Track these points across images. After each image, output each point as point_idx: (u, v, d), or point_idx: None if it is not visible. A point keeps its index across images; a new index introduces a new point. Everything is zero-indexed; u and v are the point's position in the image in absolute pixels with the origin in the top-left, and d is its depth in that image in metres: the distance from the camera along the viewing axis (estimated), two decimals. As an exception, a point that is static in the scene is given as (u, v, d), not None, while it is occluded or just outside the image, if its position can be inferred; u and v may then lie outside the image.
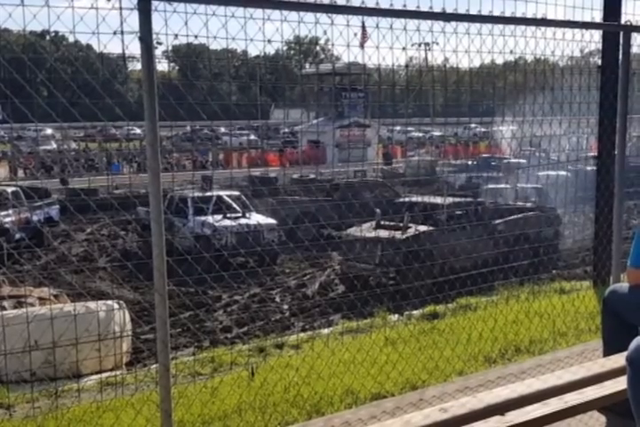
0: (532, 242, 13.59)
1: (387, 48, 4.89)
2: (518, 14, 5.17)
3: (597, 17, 6.80)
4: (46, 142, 40.57)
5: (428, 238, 13.40)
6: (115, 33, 3.72)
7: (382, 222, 14.63)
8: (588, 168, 13.84)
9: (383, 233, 13.96)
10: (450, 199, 15.74)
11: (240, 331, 11.04)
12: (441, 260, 11.14)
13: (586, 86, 6.86)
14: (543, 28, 5.59)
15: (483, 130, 36.24)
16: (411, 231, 14.18)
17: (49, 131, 42.02)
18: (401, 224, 14.46)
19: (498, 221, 15.25)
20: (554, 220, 15.47)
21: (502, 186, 20.16)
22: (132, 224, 19.70)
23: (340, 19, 4.50)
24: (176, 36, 4.04)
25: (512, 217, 15.53)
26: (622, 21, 6.20)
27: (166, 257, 3.81)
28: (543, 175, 20.50)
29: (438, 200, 15.62)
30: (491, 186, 20.55)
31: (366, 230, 14.56)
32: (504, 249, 11.59)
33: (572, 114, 7.00)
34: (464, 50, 5.40)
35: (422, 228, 14.43)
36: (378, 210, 14.98)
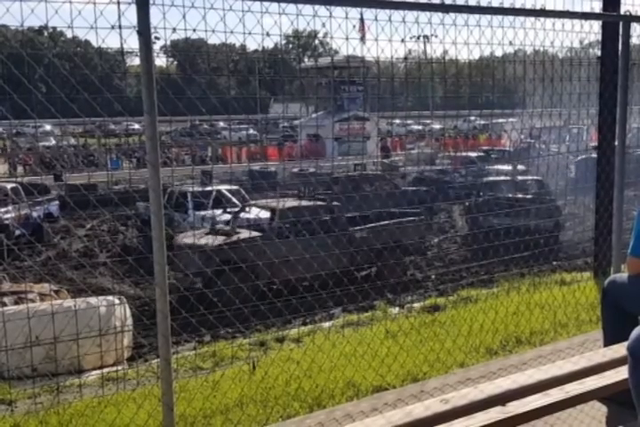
0: (398, 254, 12.72)
1: (385, 40, 4.89)
2: (517, 5, 5.16)
3: (597, 7, 6.79)
4: (45, 138, 40.54)
5: (248, 246, 11.66)
6: (113, 27, 3.71)
7: (217, 227, 14.06)
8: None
9: (210, 239, 12.99)
10: (292, 204, 14.40)
11: (241, 325, 11.03)
12: (264, 271, 9.80)
13: (585, 77, 6.84)
14: (542, 19, 5.58)
15: (482, 122, 36.27)
16: (233, 238, 13.25)
17: (48, 127, 41.99)
18: (235, 230, 13.76)
19: (356, 228, 14.14)
20: (554, 211, 15.44)
21: (502, 178, 20.24)
22: (131, 219, 19.71)
23: (338, 11, 4.49)
24: (174, 29, 4.03)
25: (373, 224, 14.29)
26: (622, 11, 6.18)
27: (166, 251, 3.81)
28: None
29: (281, 204, 14.08)
30: (491, 178, 20.68)
31: (195, 236, 13.83)
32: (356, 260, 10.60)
33: (572, 105, 6.99)
34: (463, 41, 5.39)
35: (245, 235, 13.49)
36: (212, 212, 14.33)
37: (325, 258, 7.55)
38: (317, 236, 10.93)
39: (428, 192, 19.40)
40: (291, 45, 32.92)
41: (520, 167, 20.51)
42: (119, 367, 6.80)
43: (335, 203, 14.86)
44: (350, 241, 13.14)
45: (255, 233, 13.86)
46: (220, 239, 13.28)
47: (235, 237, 13.36)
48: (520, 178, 19.39)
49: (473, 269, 14.26)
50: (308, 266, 7.28)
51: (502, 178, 20.18)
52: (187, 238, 13.80)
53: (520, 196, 17.51)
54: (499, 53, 6.87)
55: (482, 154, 27.40)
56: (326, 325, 7.66)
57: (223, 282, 7.40)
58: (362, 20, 4.87)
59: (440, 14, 4.90)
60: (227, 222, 15.67)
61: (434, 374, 5.16)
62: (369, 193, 17.40)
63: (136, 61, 3.86)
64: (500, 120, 21.53)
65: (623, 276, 4.04)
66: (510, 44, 5.72)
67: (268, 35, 4.42)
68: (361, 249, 11.48)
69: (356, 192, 17.17)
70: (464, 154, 26.48)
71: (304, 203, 14.83)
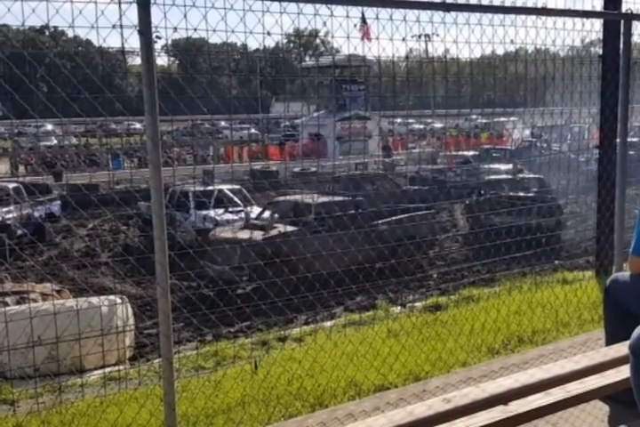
0: (416, 241, 13.18)
1: (387, 39, 4.89)
2: (518, 4, 5.16)
3: (598, 6, 6.80)
4: (47, 138, 40.54)
5: (288, 240, 12.05)
6: (114, 27, 3.71)
7: (252, 222, 14.51)
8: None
9: (247, 234, 13.44)
10: (323, 199, 15.10)
11: (243, 324, 11.05)
12: (302, 263, 10.14)
13: (587, 76, 6.84)
14: (543, 18, 5.58)
15: (484, 121, 36.22)
16: (274, 232, 13.65)
17: (49, 126, 41.97)
18: (272, 225, 14.15)
19: (380, 222, 14.62)
20: (555, 210, 15.45)
21: (503, 176, 20.25)
22: (133, 219, 19.71)
23: (339, 10, 4.49)
24: (175, 29, 4.03)
25: (395, 217, 14.94)
26: (623, 10, 6.17)
27: (168, 251, 3.81)
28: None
29: (312, 200, 14.75)
30: (492, 177, 20.71)
31: (232, 231, 14.30)
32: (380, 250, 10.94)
33: (574, 104, 6.99)
34: (464, 40, 5.39)
35: (287, 228, 13.81)
36: (247, 209, 14.76)
37: (367, 250, 7.85)
38: (360, 229, 11.73)
39: (429, 191, 19.40)
40: (292, 44, 32.89)
41: (518, 166, 20.57)
42: (121, 367, 6.80)
43: (360, 198, 15.60)
44: (381, 234, 13.53)
45: (291, 227, 14.15)
46: (258, 233, 13.60)
47: (275, 231, 13.73)
48: (520, 176, 19.40)
49: (475, 268, 14.26)
50: (348, 258, 7.69)
51: (503, 177, 20.22)
52: (225, 233, 14.23)
53: (522, 194, 17.51)
54: (500, 52, 6.87)
55: (477, 153, 27.43)
56: (328, 324, 7.66)
57: (267, 275, 7.69)
58: (364, 19, 4.87)
59: (441, 13, 4.90)
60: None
61: (436, 373, 5.16)
62: (371, 192, 17.59)
63: (137, 61, 3.87)
64: (502, 119, 21.53)
65: (625, 275, 4.04)
66: (511, 42, 5.73)
67: (269, 34, 4.42)
68: (401, 242, 11.96)
69: (357, 191, 17.29)
70: (459, 153, 26.60)
71: (335, 198, 15.51)
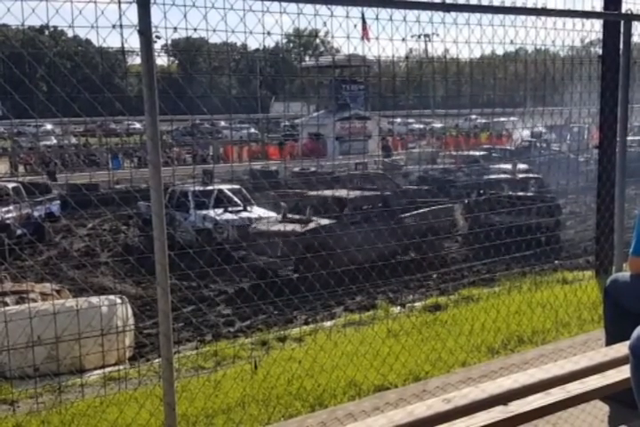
0: (437, 233, 14.45)
1: (387, 39, 4.89)
2: (518, 4, 5.16)
3: (598, 6, 6.80)
4: (46, 138, 40.51)
5: (326, 232, 12.94)
6: (114, 27, 3.71)
7: (288, 216, 15.04)
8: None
9: (286, 227, 14.03)
10: (356, 193, 15.98)
11: (243, 324, 11.06)
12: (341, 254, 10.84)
13: (587, 76, 6.84)
14: (543, 18, 5.59)
15: (483, 121, 36.25)
16: (311, 225, 14.23)
17: (49, 126, 41.93)
18: (311, 218, 14.64)
19: (406, 215, 15.35)
20: (554, 209, 15.46)
21: (503, 176, 20.24)
22: (133, 219, 19.69)
23: (339, 10, 4.50)
24: (175, 29, 4.04)
25: (420, 211, 15.81)
26: (623, 10, 6.17)
27: (168, 251, 3.81)
28: None
29: (344, 194, 15.69)
30: (492, 176, 20.70)
31: (271, 224, 14.92)
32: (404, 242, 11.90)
33: (573, 104, 6.99)
34: (464, 40, 5.39)
35: (324, 221, 14.35)
36: (284, 204, 15.30)
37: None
38: (400, 224, 12.87)
39: (429, 191, 19.41)
40: (292, 44, 32.89)
41: (523, 166, 20.56)
42: (121, 367, 6.80)
43: (387, 193, 16.72)
44: (419, 227, 14.35)
45: (327, 220, 14.59)
46: (298, 226, 14.19)
47: (313, 224, 14.32)
48: (521, 176, 19.41)
49: (475, 268, 14.25)
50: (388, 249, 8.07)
51: (503, 176, 20.22)
52: (265, 226, 14.81)
53: (521, 194, 17.50)
54: (500, 52, 6.87)
55: (485, 153, 27.42)
56: (328, 324, 7.66)
57: (310, 265, 8.01)
58: (363, 19, 4.87)
59: (441, 13, 4.90)
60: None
61: (436, 373, 5.16)
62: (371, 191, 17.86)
63: (137, 61, 3.88)
64: (502, 119, 21.55)
65: (625, 275, 4.04)
66: (511, 42, 5.73)
67: (269, 34, 4.43)
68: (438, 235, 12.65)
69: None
70: (467, 153, 26.65)
71: (367, 193, 16.47)
